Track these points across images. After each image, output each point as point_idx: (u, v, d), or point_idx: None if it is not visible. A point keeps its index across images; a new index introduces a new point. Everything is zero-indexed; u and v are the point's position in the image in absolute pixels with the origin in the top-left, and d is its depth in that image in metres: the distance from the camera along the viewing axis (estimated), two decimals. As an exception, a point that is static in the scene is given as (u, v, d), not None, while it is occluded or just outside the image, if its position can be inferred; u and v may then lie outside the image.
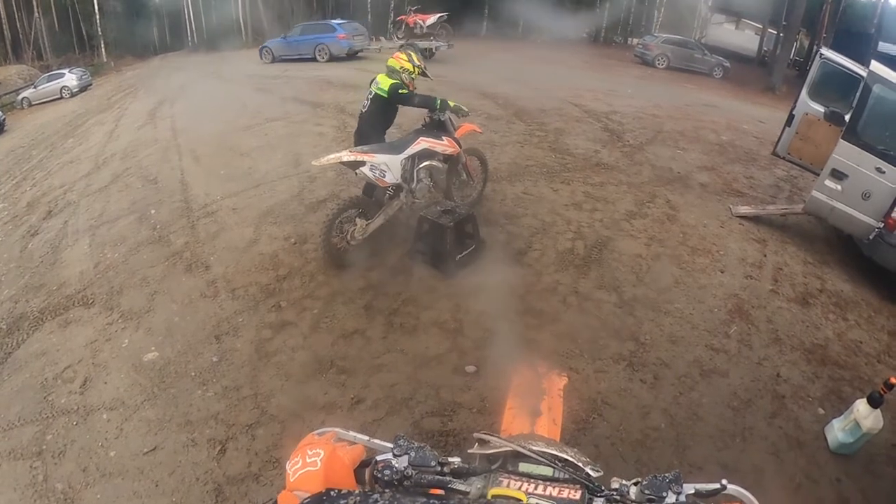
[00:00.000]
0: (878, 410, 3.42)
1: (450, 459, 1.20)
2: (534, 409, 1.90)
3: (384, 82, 4.92)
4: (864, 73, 5.79)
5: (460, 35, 19.18)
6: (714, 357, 4.34)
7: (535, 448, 1.23)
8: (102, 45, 29.14)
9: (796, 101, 6.66)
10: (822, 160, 6.13)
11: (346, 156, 4.65)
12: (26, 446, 3.41)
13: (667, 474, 1.16)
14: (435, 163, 5.21)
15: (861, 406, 3.46)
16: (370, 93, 5.04)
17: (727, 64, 19.45)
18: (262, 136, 9.00)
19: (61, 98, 19.63)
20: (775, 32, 21.74)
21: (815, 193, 5.83)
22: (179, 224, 6.08)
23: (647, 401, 3.87)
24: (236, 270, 5.07)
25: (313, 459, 1.04)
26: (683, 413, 3.79)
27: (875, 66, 5.28)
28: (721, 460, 3.47)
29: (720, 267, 5.49)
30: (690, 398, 3.93)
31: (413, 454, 1.16)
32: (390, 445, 1.21)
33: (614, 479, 1.22)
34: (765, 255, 5.85)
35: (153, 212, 6.49)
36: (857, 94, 5.50)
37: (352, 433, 1.29)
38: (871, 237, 5.57)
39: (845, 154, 5.50)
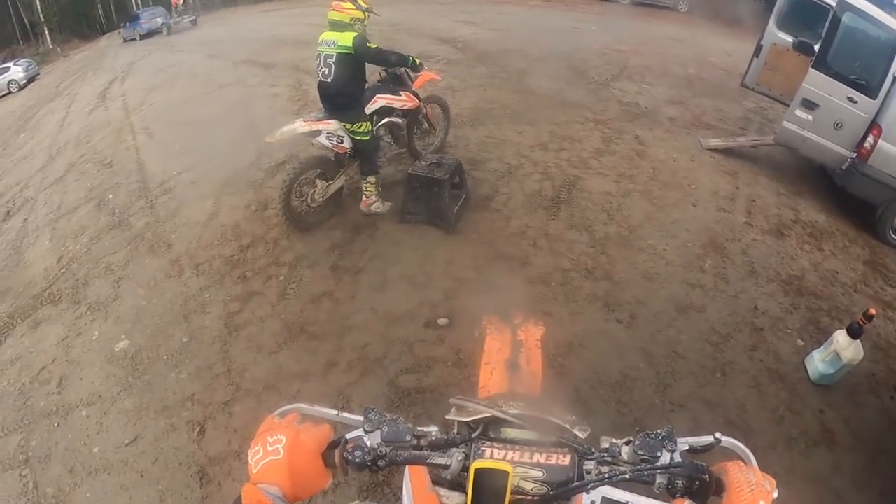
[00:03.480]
0: (858, 341, 3.42)
1: (427, 430, 1.12)
2: (511, 364, 1.81)
3: (343, 38, 4.26)
4: (832, 2, 5.67)
5: None
6: (690, 293, 4.25)
7: (516, 412, 1.14)
8: (47, 32, 28.98)
9: (764, 32, 6.55)
10: (792, 91, 6.08)
11: (301, 126, 4.42)
12: (13, 456, 3.34)
13: (659, 431, 1.08)
14: (394, 119, 5.02)
15: (841, 337, 3.45)
16: (328, 56, 4.35)
17: None
18: (216, 103, 8.85)
19: (9, 93, 19.03)
20: None
21: (785, 124, 5.76)
22: (138, 205, 5.90)
23: (624, 340, 3.77)
24: (199, 245, 4.97)
25: (275, 447, 0.95)
26: (662, 351, 3.71)
27: None
28: (703, 397, 3.42)
29: (692, 201, 5.39)
30: (668, 335, 3.84)
31: (386, 429, 1.07)
32: (360, 419, 1.11)
33: (604, 438, 1.14)
34: (737, 188, 5.78)
35: (111, 196, 6.25)
36: (827, 22, 5.39)
37: (317, 408, 1.19)
38: (843, 167, 5.57)
39: (816, 84, 5.43)
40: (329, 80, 4.41)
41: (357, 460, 1.01)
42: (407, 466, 1.14)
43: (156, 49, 16.85)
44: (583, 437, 1.13)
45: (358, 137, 4.56)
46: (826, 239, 5.33)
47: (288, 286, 4.34)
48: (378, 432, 1.07)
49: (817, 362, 3.59)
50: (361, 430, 1.08)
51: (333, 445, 1.04)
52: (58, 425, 3.45)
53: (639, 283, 4.27)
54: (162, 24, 21.29)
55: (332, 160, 4.75)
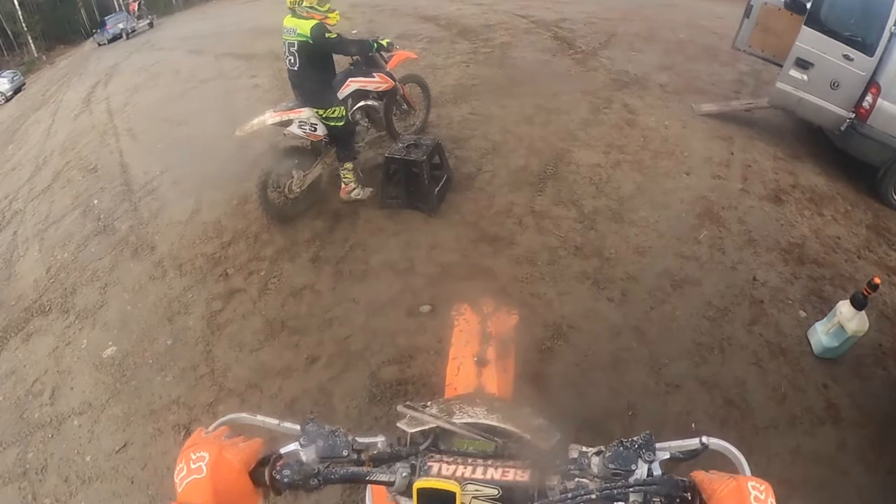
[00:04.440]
0: (863, 312, 3.24)
1: (371, 440, 1.05)
2: (480, 358, 1.70)
3: (302, 27, 4.07)
4: None
5: None
6: (685, 266, 4.08)
7: (469, 421, 1.03)
8: (30, 41, 29.25)
9: None
10: (785, 51, 5.84)
11: (271, 117, 4.27)
12: (12, 469, 3.37)
13: (636, 438, 0.96)
14: (370, 102, 4.87)
15: (844, 308, 3.28)
16: (291, 44, 4.19)
17: None
18: (198, 99, 8.89)
19: None
20: None
21: (779, 85, 5.54)
22: (122, 209, 5.86)
23: (615, 320, 3.60)
24: (181, 245, 4.92)
25: (198, 465, 0.89)
26: (656, 329, 3.54)
27: None
28: (700, 376, 3.26)
29: (685, 169, 5.19)
30: (662, 312, 3.67)
31: (321, 443, 0.99)
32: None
33: (573, 446, 1.04)
34: (732, 153, 5.58)
35: (96, 202, 6.20)
36: None
37: (259, 417, 1.10)
38: (842, 128, 5.35)
39: (809, 41, 5.20)
40: (295, 69, 4.28)
41: (286, 479, 0.92)
42: None
43: (138, 49, 16.82)
44: (548, 446, 1.00)
45: (332, 123, 4.42)
46: (826, 203, 5.14)
47: (269, 281, 4.27)
48: (314, 447, 0.98)
49: (820, 335, 3.43)
50: (298, 443, 1.00)
51: (264, 462, 0.96)
52: (52, 436, 3.47)
53: (630, 259, 4.09)
54: (122, 29, 22.89)
55: (308, 149, 4.63)
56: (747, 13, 6.43)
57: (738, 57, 7.48)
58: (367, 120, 4.98)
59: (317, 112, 4.37)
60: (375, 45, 4.54)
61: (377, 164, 5.22)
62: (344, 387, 3.29)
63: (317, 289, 4.09)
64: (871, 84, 5.06)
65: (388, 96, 5.05)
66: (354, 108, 4.74)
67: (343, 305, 3.90)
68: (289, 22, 4.16)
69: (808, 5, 5.41)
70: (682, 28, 9.71)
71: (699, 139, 5.74)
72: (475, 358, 1.71)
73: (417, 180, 4.51)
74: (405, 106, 5.41)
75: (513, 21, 10.53)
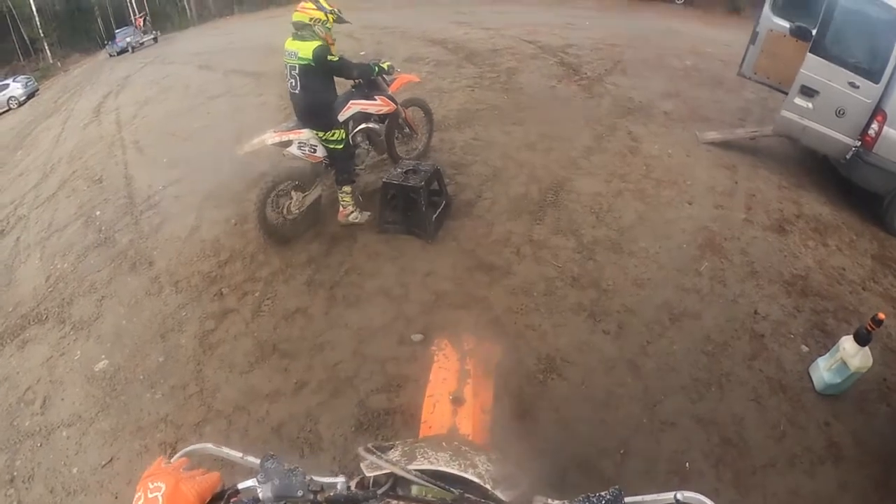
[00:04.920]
0: (867, 348, 3.18)
1: (331, 481, 1.06)
2: (456, 397, 1.71)
3: (304, 49, 4.08)
4: None
5: None
6: (684, 298, 4.03)
7: (429, 469, 1.04)
8: (46, 48, 29.91)
9: (759, 17, 6.30)
10: (791, 78, 5.83)
11: (271, 137, 4.31)
12: (0, 475, 3.42)
13: (604, 494, 0.95)
14: (371, 124, 4.87)
15: (847, 344, 3.22)
16: (292, 67, 4.20)
17: None
18: (205, 115, 9.00)
19: (9, 109, 19.66)
20: None
21: (784, 113, 5.53)
22: (124, 222, 5.96)
23: (611, 353, 3.56)
24: (178, 262, 4.97)
25: (154, 495, 0.92)
26: (652, 364, 3.49)
27: None
28: (696, 413, 3.20)
29: (688, 198, 5.17)
30: (659, 347, 3.62)
31: (278, 481, 0.99)
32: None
33: (538, 498, 1.05)
34: (736, 182, 5.56)
35: (98, 213, 6.32)
36: (825, 2, 5.13)
37: (225, 450, 1.16)
38: (848, 156, 5.31)
39: (815, 69, 5.20)
40: (297, 91, 4.29)
41: None
42: None
43: (151, 62, 17.13)
44: (510, 499, 1.00)
45: (331, 146, 4.45)
46: (831, 233, 5.10)
47: (262, 302, 4.28)
48: (270, 484, 0.98)
49: (822, 371, 3.36)
50: (256, 479, 1.01)
51: (220, 496, 0.99)
52: (41, 446, 3.50)
53: (628, 291, 4.05)
54: (128, 42, 23.99)
55: (308, 170, 4.62)
56: (753, 40, 6.44)
57: (744, 84, 7.48)
58: (367, 143, 4.97)
59: (317, 134, 4.40)
60: (377, 68, 4.58)
61: (376, 188, 5.24)
62: (331, 413, 3.28)
63: (310, 312, 4.09)
64: (877, 112, 5.04)
65: (389, 119, 5.07)
66: (355, 130, 4.75)
67: (335, 330, 3.90)
68: (290, 45, 4.18)
69: (814, 32, 5.39)
70: (688, 55, 9.78)
71: (703, 168, 5.73)
72: (451, 396, 1.70)
73: (415, 206, 4.53)
74: (407, 129, 5.42)
75: (519, 46, 10.63)
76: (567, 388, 3.30)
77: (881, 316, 3.14)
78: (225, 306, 4.28)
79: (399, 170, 4.67)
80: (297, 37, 4.17)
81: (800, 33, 5.97)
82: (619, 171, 5.54)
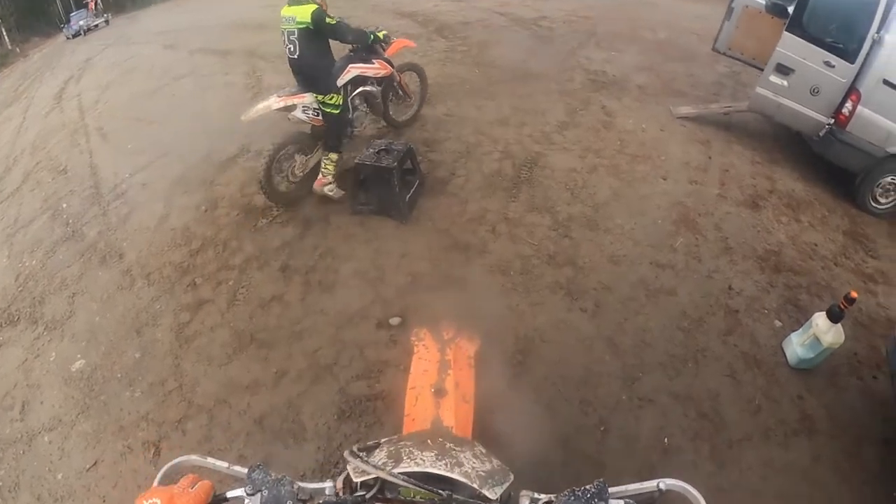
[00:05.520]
0: (839, 325, 3.29)
1: (319, 486, 1.09)
2: (438, 389, 1.73)
3: (302, 13, 4.19)
4: None
5: None
6: (660, 275, 4.08)
7: (415, 471, 1.05)
8: (4, 33, 28.52)
9: None
10: (766, 55, 5.93)
11: (275, 103, 4.43)
12: None
13: (588, 487, 0.99)
14: (369, 87, 5.06)
15: (821, 321, 3.33)
16: (290, 33, 4.31)
17: None
18: (170, 97, 8.80)
19: None
20: None
21: (759, 90, 5.60)
22: (91, 213, 5.73)
23: (588, 331, 3.59)
24: (149, 253, 4.84)
25: None
26: (629, 341, 3.54)
27: None
28: (673, 389, 3.27)
29: (662, 174, 5.21)
30: (636, 323, 3.67)
31: (266, 492, 1.02)
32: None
33: (524, 493, 1.08)
34: (709, 158, 5.62)
35: (65, 205, 6.06)
36: None
37: (210, 460, 1.18)
38: (821, 134, 5.44)
39: (791, 47, 5.26)
40: (296, 56, 4.42)
41: None
42: None
43: (112, 43, 16.51)
44: (496, 495, 1.01)
45: (328, 110, 4.59)
46: (804, 209, 5.22)
47: (237, 291, 4.22)
48: (259, 496, 1.02)
49: (796, 346, 3.46)
50: (244, 490, 1.04)
51: None
52: (24, 453, 3.44)
53: (604, 268, 4.08)
54: (80, 26, 23.88)
55: (309, 134, 4.83)
56: (728, 15, 6.48)
57: (717, 58, 7.54)
58: (365, 105, 5.16)
59: (316, 97, 4.54)
60: (373, 37, 4.79)
61: (348, 167, 5.15)
62: (313, 403, 3.26)
63: (286, 299, 4.04)
64: (852, 91, 5.14)
65: (386, 82, 5.25)
66: (354, 93, 4.90)
67: (312, 317, 3.86)
68: (287, 11, 4.27)
69: (790, 9, 5.46)
70: (662, 28, 9.77)
71: (677, 143, 5.78)
72: (433, 389, 1.71)
73: (388, 187, 4.45)
74: (401, 93, 5.59)
75: (491, 18, 10.49)
76: (545, 368, 3.31)
77: (854, 294, 3.24)
78: (199, 297, 4.21)
79: (371, 150, 4.59)
80: (293, 2, 4.26)
81: (775, 10, 6.05)
82: (593, 147, 5.54)
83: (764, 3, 6.19)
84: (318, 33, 4.27)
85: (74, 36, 23.20)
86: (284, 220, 4.78)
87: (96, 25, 24.36)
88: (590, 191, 4.87)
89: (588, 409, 3.11)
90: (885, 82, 4.97)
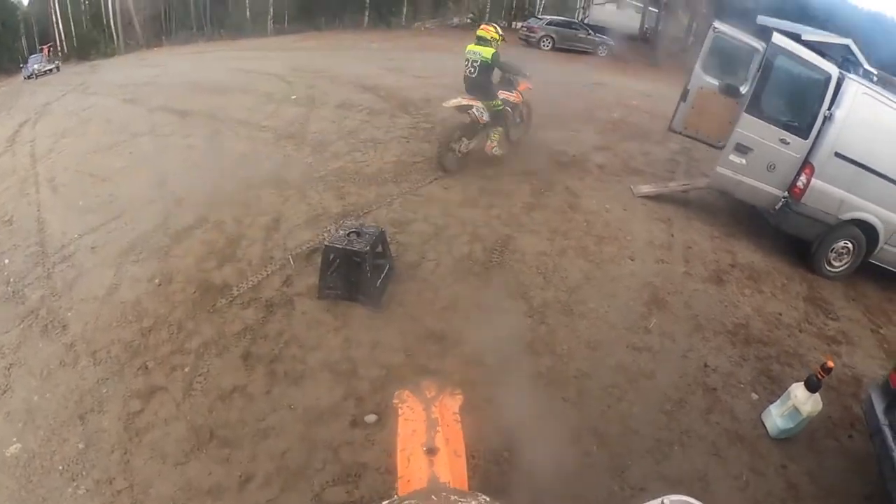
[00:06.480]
0: (817, 394, 3.48)
1: None
2: (429, 446, 1.74)
3: (486, 52, 6.51)
4: (759, 46, 6.23)
5: (341, 28, 22.79)
6: (638, 358, 4.19)
7: None
8: None
9: (690, 76, 6.88)
10: (719, 133, 6.46)
11: (462, 100, 6.70)
12: None
13: None
14: (506, 108, 7.05)
15: (799, 392, 3.52)
16: (473, 61, 6.60)
17: (611, 42, 20.71)
18: (127, 154, 8.51)
19: None
20: (656, 10, 23.77)
21: (720, 169, 5.97)
22: (35, 274, 5.43)
23: (573, 421, 3.61)
24: (96, 327, 4.54)
25: None
26: (615, 429, 3.58)
27: (777, 38, 5.42)
28: (663, 474, 3.31)
29: (629, 254, 5.42)
30: (620, 410, 3.72)
31: None
32: None
33: None
34: (672, 235, 5.90)
35: (7, 261, 5.75)
36: (760, 66, 5.69)
37: None
38: (777, 207, 5.84)
39: (749, 128, 5.68)
40: (473, 76, 6.67)
41: None
42: None
43: (72, 89, 16.21)
44: None
45: (494, 108, 6.81)
46: (764, 279, 5.51)
47: (194, 379, 3.97)
48: None
49: (776, 417, 3.63)
50: None
51: None
52: None
53: (583, 354, 4.15)
54: (35, 69, 24.12)
55: (469, 126, 6.85)
56: (683, 97, 6.98)
57: (670, 136, 8.04)
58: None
59: (485, 104, 6.66)
60: (527, 71, 7.20)
61: (315, 248, 5.16)
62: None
63: (249, 391, 3.85)
64: (806, 164, 5.58)
65: (514, 108, 7.30)
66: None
67: (279, 413, 3.68)
68: (473, 48, 6.60)
69: (742, 88, 6.03)
70: (615, 107, 10.41)
71: (640, 221, 6.05)
72: (424, 448, 1.72)
73: (359, 271, 4.43)
74: (519, 120, 7.56)
75: (452, 96, 10.76)
76: (531, 464, 3.26)
77: (830, 364, 3.45)
78: (151, 383, 3.96)
79: (342, 232, 4.60)
80: (479, 43, 6.57)
81: (728, 91, 6.60)
82: (560, 228, 5.73)
83: (717, 84, 6.70)
84: (491, 66, 6.55)
85: (28, 78, 23.51)
86: (245, 302, 4.61)
87: (49, 70, 24.55)
88: (561, 274, 5.01)
89: (580, 505, 3.07)
90: (837, 154, 5.43)
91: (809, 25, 6.80)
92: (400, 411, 1.93)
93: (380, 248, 4.72)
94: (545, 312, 4.53)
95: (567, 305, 4.63)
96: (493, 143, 7.04)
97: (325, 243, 4.57)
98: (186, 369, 4.05)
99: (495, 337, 4.24)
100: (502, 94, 6.97)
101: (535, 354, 4.11)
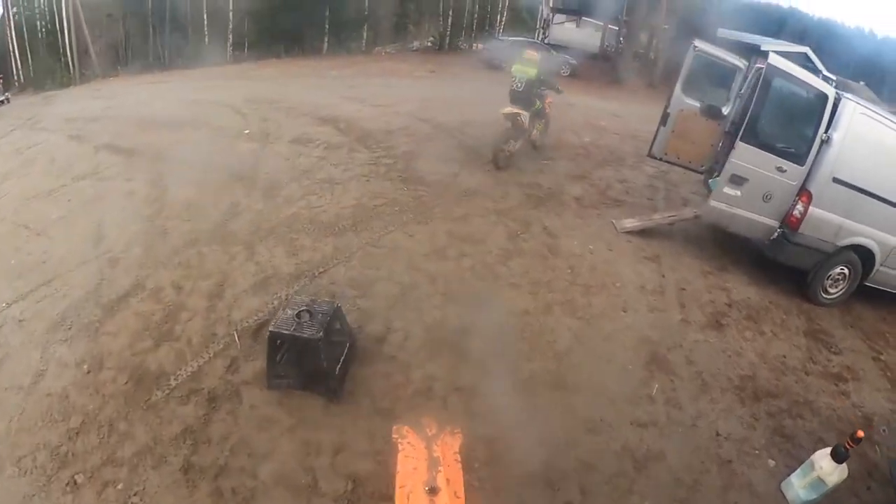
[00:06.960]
0: (844, 464, 3.33)
1: None
2: (431, 486, 1.87)
3: (531, 71, 7.79)
4: (741, 64, 6.17)
5: (301, 55, 22.45)
6: (644, 436, 3.75)
7: None
8: None
9: (670, 99, 6.63)
10: (701, 157, 6.27)
11: (511, 109, 7.69)
12: None
13: None
14: (543, 107, 8.42)
15: (825, 462, 3.34)
16: (521, 79, 7.80)
17: (573, 61, 20.61)
18: (65, 202, 7.71)
19: None
20: (616, 28, 23.99)
21: (713, 203, 5.65)
22: None
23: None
24: (21, 426, 3.89)
25: None
26: (629, 532, 3.06)
27: (774, 58, 5.12)
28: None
29: (621, 305, 5.01)
30: (631, 504, 3.24)
31: None
32: None
33: None
34: (663, 276, 5.53)
35: None
36: (752, 88, 5.52)
37: None
38: (772, 238, 5.56)
39: (744, 157, 5.37)
40: (520, 90, 7.82)
41: None
42: None
43: (22, 124, 15.36)
44: None
45: (536, 110, 8.17)
46: (763, 318, 5.25)
47: (129, 500, 3.35)
48: None
49: (798, 489, 3.45)
50: None
51: None
52: None
53: (582, 440, 3.66)
54: None
55: (514, 130, 7.83)
56: (663, 121, 6.73)
57: (644, 160, 7.82)
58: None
59: (528, 112, 7.89)
60: (557, 88, 8.58)
61: (262, 320, 4.56)
62: None
63: None
64: (802, 192, 5.31)
65: (540, 113, 8.46)
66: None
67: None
68: (519, 66, 7.89)
69: (724, 109, 5.90)
70: (584, 130, 10.14)
71: (627, 262, 5.66)
72: (426, 487, 1.85)
73: (313, 359, 3.81)
74: (545, 128, 8.89)
75: (415, 125, 10.38)
76: None
77: (860, 434, 3.27)
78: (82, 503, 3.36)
79: (290, 311, 3.96)
80: (525, 64, 7.86)
81: (710, 112, 6.40)
82: (542, 279, 5.25)
83: (698, 105, 6.49)
84: (535, 82, 7.82)
85: (-10, 106, 23.67)
86: (184, 395, 3.98)
87: (0, 102, 24.44)
88: (548, 338, 4.51)
89: None
90: (835, 180, 5.19)
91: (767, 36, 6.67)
92: (400, 447, 2.02)
93: (338, 325, 4.11)
94: (534, 389, 4.01)
95: (558, 377, 4.12)
96: (535, 133, 8.68)
97: (271, 328, 3.94)
98: (119, 487, 3.43)
99: (481, 433, 3.59)
100: (548, 99, 8.68)
101: (526, 447, 3.53)
